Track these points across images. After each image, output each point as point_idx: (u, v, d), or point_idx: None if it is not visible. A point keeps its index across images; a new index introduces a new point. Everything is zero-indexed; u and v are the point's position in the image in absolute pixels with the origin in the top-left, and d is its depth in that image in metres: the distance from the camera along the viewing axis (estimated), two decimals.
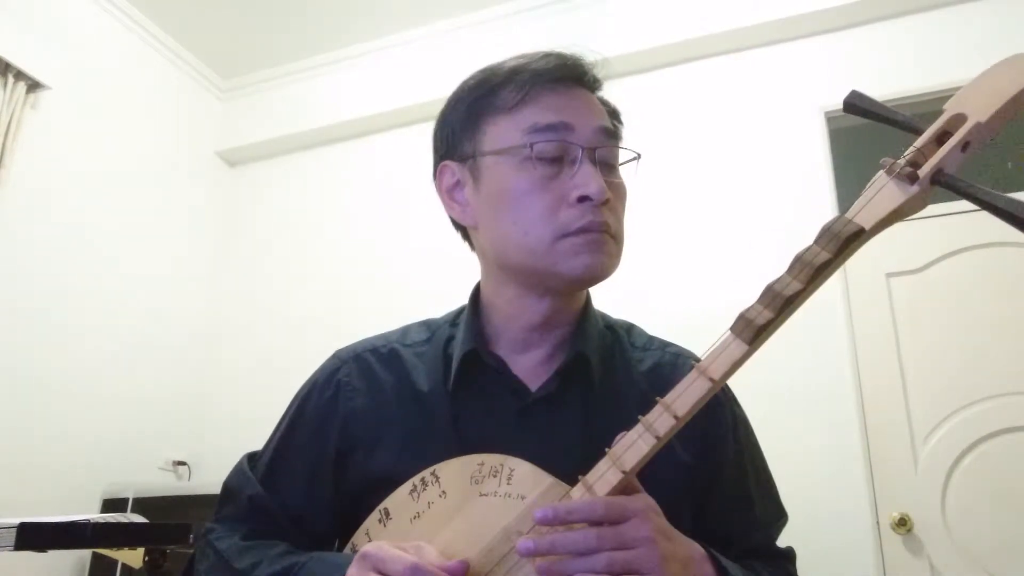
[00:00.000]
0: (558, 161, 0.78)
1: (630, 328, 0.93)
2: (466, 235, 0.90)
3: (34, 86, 2.78)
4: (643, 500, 0.63)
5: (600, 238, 0.77)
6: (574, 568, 0.60)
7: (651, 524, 0.61)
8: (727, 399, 0.87)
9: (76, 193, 2.95)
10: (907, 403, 2.41)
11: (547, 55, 0.83)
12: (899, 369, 2.44)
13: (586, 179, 0.76)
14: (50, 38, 2.89)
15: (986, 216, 0.58)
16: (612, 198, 0.78)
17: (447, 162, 0.86)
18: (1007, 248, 2.43)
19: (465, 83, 0.86)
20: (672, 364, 0.86)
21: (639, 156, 0.84)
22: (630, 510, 0.61)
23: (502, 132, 0.80)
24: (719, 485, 0.83)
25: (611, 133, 0.82)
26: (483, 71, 0.85)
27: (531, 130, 0.78)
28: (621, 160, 0.84)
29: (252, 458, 0.90)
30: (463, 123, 0.84)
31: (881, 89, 2.61)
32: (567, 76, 0.82)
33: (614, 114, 0.87)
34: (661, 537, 0.61)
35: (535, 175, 0.77)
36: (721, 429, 0.84)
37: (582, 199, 0.76)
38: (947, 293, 2.47)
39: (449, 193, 0.86)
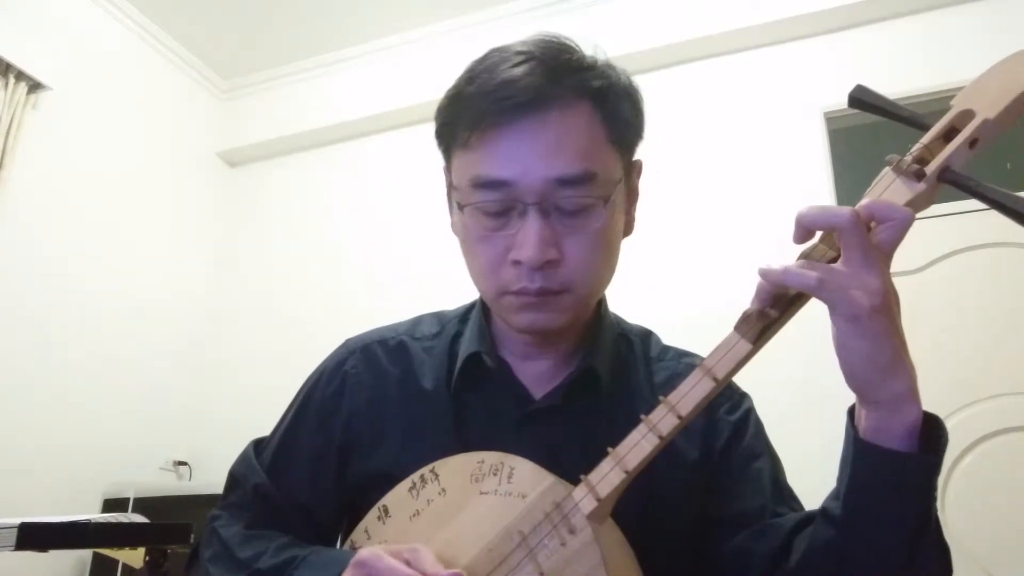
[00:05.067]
0: (505, 212, 0.73)
1: (646, 336, 0.91)
2: None
3: (34, 86, 2.78)
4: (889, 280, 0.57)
5: (537, 301, 0.74)
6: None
7: (885, 290, 0.56)
8: (730, 391, 0.85)
9: (76, 193, 2.95)
10: None
11: (515, 68, 0.73)
12: None
13: (523, 241, 0.71)
14: (50, 38, 2.89)
15: (986, 216, 0.57)
16: (568, 251, 0.72)
17: (447, 165, 0.84)
18: (1007, 248, 2.43)
19: (447, 92, 0.80)
20: (686, 376, 0.84)
21: (606, 200, 0.74)
22: (874, 258, 0.56)
23: (459, 170, 0.77)
24: (736, 474, 0.79)
25: (567, 180, 0.71)
26: (456, 84, 0.78)
27: (474, 183, 0.73)
28: (585, 200, 0.73)
29: (259, 444, 0.90)
30: (439, 142, 0.81)
31: (880, 89, 2.60)
32: (528, 103, 0.71)
33: (601, 96, 0.75)
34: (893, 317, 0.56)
35: (480, 226, 0.74)
36: (728, 424, 0.82)
37: (517, 262, 0.72)
38: (947, 293, 2.47)
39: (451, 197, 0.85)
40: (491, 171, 0.72)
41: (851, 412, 0.63)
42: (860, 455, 0.60)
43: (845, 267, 0.56)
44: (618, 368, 0.84)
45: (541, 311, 0.75)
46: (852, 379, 0.59)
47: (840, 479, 0.64)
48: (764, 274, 0.58)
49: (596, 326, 0.84)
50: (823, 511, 0.67)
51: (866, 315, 0.55)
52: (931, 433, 0.59)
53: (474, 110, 0.73)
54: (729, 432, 0.81)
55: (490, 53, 0.78)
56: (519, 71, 0.72)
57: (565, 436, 0.78)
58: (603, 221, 0.74)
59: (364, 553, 0.66)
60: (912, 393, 0.58)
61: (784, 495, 0.79)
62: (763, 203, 2.70)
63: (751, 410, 0.85)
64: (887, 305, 0.56)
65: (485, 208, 0.73)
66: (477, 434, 0.79)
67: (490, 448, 0.72)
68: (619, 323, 0.90)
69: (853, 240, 0.55)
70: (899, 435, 0.58)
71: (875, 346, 0.56)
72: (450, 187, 0.81)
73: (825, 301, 0.56)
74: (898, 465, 0.58)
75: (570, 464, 0.68)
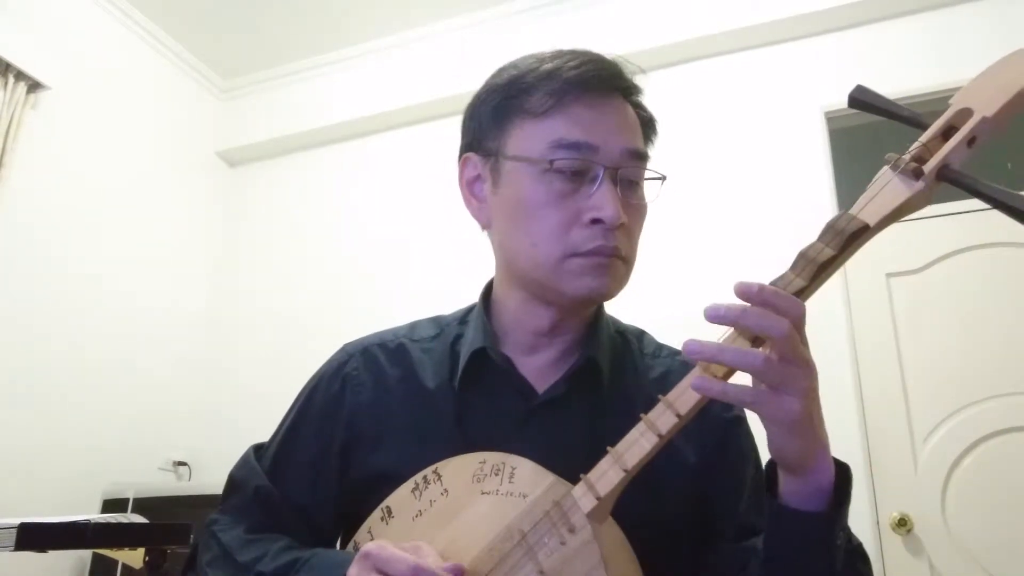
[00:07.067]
0: (578, 176, 0.77)
1: (641, 335, 0.93)
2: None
3: (34, 86, 2.77)
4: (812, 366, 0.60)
5: (608, 262, 0.76)
6: (724, 388, 0.58)
7: (812, 386, 0.59)
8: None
9: (76, 193, 2.95)
10: (907, 403, 2.41)
11: (584, 58, 0.80)
12: (899, 369, 2.44)
13: (602, 201, 0.75)
14: (50, 38, 2.89)
15: (986, 216, 0.58)
16: (628, 221, 0.77)
17: (470, 155, 0.85)
18: (1007, 248, 2.43)
19: (499, 75, 0.84)
20: (681, 373, 0.81)
21: (664, 178, 0.82)
22: (806, 358, 0.58)
23: (527, 138, 0.79)
24: (727, 476, 0.81)
25: (638, 154, 0.80)
26: (517, 67, 0.83)
27: (555, 145, 0.77)
28: (647, 176, 0.82)
29: (259, 449, 0.90)
30: (490, 119, 0.83)
31: (880, 89, 2.60)
32: (602, 86, 0.79)
33: (648, 124, 0.85)
34: (811, 403, 0.59)
35: (552, 189, 0.77)
36: (723, 422, 0.83)
37: (595, 221, 0.75)
38: (947, 293, 2.47)
39: (469, 186, 0.86)
40: (576, 134, 0.77)
41: (770, 466, 0.66)
42: (775, 515, 0.65)
43: (776, 376, 0.57)
44: (617, 363, 0.85)
45: (604, 275, 0.77)
46: (780, 461, 0.63)
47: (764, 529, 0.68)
48: (701, 386, 0.59)
49: (594, 321, 0.86)
50: (755, 550, 0.70)
51: (798, 420, 0.58)
52: (841, 480, 0.64)
53: (559, 82, 0.78)
54: (723, 430, 0.82)
55: (528, 56, 0.84)
56: (590, 64, 0.80)
57: (568, 430, 0.79)
58: (646, 201, 0.82)
59: (370, 545, 0.67)
60: (828, 464, 0.63)
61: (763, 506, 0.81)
62: (763, 203, 2.71)
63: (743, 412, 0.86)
64: (813, 400, 0.59)
65: (563, 168, 0.76)
66: (481, 431, 0.79)
67: (494, 444, 0.72)
68: (614, 322, 0.92)
69: (788, 347, 0.57)
70: (812, 495, 0.63)
71: (804, 441, 0.60)
72: (494, 163, 0.82)
73: (760, 415, 0.60)
74: (806, 524, 0.63)
75: (573, 459, 0.68)
